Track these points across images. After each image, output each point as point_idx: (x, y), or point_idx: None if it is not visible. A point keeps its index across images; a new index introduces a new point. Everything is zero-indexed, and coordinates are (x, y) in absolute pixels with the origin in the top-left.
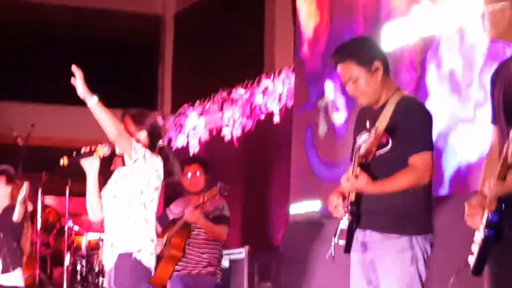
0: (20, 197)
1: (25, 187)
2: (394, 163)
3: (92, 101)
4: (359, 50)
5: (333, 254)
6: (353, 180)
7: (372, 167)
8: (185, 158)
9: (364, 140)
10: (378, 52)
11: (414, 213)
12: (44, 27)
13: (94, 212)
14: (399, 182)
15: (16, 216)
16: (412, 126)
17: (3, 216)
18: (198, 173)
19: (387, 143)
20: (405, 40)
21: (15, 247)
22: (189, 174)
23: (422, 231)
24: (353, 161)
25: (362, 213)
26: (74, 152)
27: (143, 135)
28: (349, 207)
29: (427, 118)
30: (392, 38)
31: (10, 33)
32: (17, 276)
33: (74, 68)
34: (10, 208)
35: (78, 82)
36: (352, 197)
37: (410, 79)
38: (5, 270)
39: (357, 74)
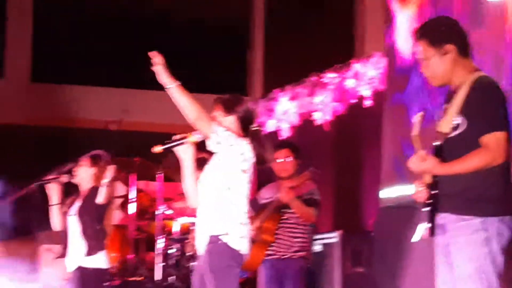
0: (106, 179)
1: (111, 170)
2: (467, 144)
3: (172, 85)
4: (433, 30)
5: (419, 239)
6: (420, 162)
7: (446, 148)
8: (276, 143)
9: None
10: (453, 34)
11: (489, 194)
12: (136, 13)
13: (192, 198)
14: (469, 163)
15: (101, 198)
16: (484, 106)
17: (87, 197)
18: (288, 158)
19: (458, 125)
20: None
21: (98, 228)
22: (280, 159)
23: (497, 213)
24: (420, 143)
25: (439, 195)
26: (167, 140)
27: (229, 119)
28: (427, 190)
29: (500, 98)
30: None
31: (103, 19)
32: (101, 258)
33: (153, 53)
34: (94, 190)
35: (159, 67)
36: (429, 180)
37: None
38: (90, 252)
39: (429, 54)
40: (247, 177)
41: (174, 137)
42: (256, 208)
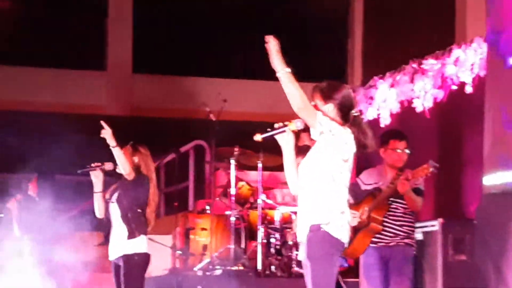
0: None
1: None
2: None
3: (283, 71)
4: None
5: None
6: None
7: None
8: (393, 132)
9: None
10: None
11: None
12: (235, 4)
13: (292, 186)
14: None
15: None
16: None
17: (127, 184)
18: (406, 149)
19: None
20: None
21: (139, 213)
22: (398, 149)
23: None
24: None
25: None
26: (268, 129)
27: (330, 107)
28: None
29: None
30: None
31: (202, 11)
32: (142, 242)
33: (268, 37)
34: (136, 177)
35: (273, 51)
36: None
37: None
38: (131, 235)
39: None
40: (349, 166)
41: (275, 125)
42: (358, 193)
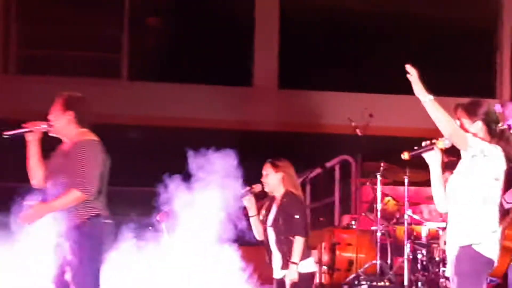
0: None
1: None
2: None
3: (427, 99)
4: None
5: None
6: None
7: None
8: None
9: None
10: None
11: None
12: (380, 19)
13: (440, 203)
14: None
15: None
16: None
17: (280, 207)
18: None
19: None
20: None
21: (293, 239)
22: None
23: None
24: None
25: None
26: (415, 147)
27: (478, 126)
28: None
29: None
30: None
31: (347, 25)
32: (307, 264)
33: (408, 67)
34: (287, 196)
35: (414, 80)
36: None
37: None
38: (284, 266)
39: None
40: (500, 184)
41: (422, 143)
42: (500, 211)
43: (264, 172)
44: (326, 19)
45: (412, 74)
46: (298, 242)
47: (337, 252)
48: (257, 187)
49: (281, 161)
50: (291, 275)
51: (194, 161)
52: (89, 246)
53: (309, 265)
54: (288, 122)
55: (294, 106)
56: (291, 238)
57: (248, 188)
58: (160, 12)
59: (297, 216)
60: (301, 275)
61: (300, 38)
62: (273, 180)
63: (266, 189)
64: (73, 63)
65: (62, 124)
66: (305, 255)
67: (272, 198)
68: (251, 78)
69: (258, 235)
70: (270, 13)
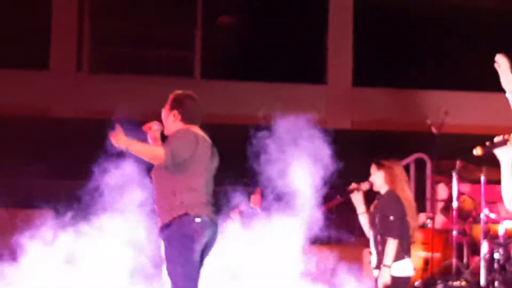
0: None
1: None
2: None
3: (510, 92)
4: None
5: None
6: None
7: None
8: None
9: None
10: None
11: None
12: (457, 16)
13: (510, 201)
14: None
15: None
16: None
17: (378, 206)
18: None
19: None
20: None
21: (388, 240)
22: None
23: None
24: None
25: None
26: (487, 142)
27: None
28: None
29: None
30: None
31: (423, 23)
32: (404, 267)
33: (499, 57)
34: (389, 195)
35: (502, 70)
36: None
37: None
38: (377, 265)
39: None
40: None
41: (495, 139)
42: None
43: (371, 172)
44: (400, 17)
45: (501, 64)
46: (391, 245)
47: (412, 251)
48: (364, 185)
49: (386, 160)
50: (382, 278)
51: (272, 160)
52: (178, 244)
53: (404, 269)
54: (363, 120)
55: (368, 104)
56: (386, 238)
57: (355, 185)
58: (232, 11)
59: (391, 218)
60: (394, 279)
61: (374, 35)
62: (377, 179)
63: (374, 189)
64: (146, 61)
65: (169, 122)
66: (399, 258)
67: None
68: (325, 76)
69: (366, 232)
70: (344, 11)
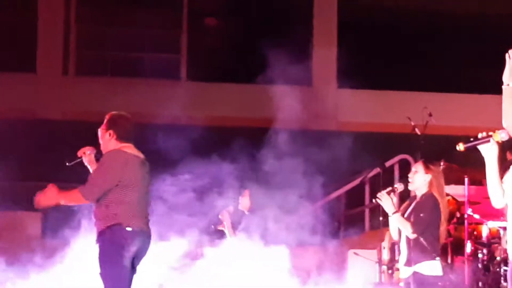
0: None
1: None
2: None
3: (505, 86)
4: None
5: None
6: None
7: None
8: None
9: None
10: None
11: None
12: (445, 18)
13: (496, 199)
14: None
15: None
16: None
17: (415, 207)
18: None
19: None
20: None
21: (420, 239)
22: None
23: None
24: None
25: None
26: (471, 138)
27: None
28: None
29: None
30: None
31: (406, 24)
32: (432, 266)
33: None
34: (426, 197)
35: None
36: None
37: None
38: (408, 263)
39: None
40: None
41: (479, 135)
42: None
43: (413, 169)
44: (383, 18)
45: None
46: (407, 227)
47: (397, 252)
48: (399, 187)
49: (434, 165)
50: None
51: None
52: (110, 250)
53: (433, 268)
54: (347, 121)
55: (353, 106)
56: (420, 236)
57: (389, 188)
58: (218, 13)
59: (422, 214)
60: (424, 278)
61: (358, 37)
62: (420, 179)
63: (410, 187)
64: (132, 64)
65: (105, 141)
66: (427, 256)
67: (413, 198)
68: (310, 78)
69: (394, 234)
70: (328, 12)
